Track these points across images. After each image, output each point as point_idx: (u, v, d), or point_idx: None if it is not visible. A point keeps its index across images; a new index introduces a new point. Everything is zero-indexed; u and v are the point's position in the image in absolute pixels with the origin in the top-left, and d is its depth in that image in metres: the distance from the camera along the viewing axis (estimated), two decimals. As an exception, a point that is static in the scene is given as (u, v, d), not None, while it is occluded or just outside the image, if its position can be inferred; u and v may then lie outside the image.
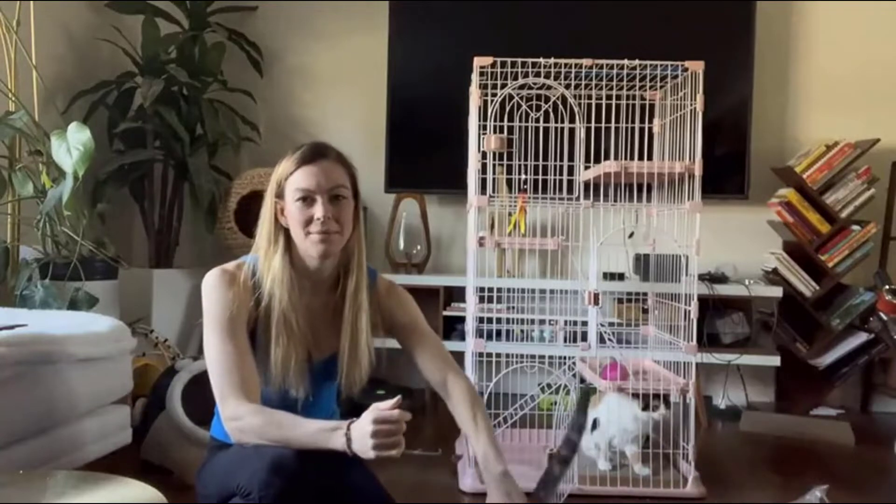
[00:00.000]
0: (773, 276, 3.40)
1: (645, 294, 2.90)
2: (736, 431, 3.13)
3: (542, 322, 3.24)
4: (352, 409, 1.85)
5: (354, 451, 1.39)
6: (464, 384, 1.68)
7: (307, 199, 1.58)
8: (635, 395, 2.35)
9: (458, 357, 3.28)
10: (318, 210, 1.57)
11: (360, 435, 1.39)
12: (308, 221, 1.58)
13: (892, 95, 3.57)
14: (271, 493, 1.38)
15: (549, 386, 2.60)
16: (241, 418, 1.47)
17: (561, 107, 2.54)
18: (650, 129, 2.69)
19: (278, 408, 1.57)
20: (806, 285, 3.32)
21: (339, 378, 1.65)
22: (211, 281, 1.60)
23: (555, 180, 2.60)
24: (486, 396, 2.41)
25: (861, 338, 3.34)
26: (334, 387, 1.75)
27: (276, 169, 1.64)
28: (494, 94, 2.43)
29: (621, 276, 3.25)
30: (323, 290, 1.68)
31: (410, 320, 1.79)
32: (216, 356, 1.53)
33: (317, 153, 1.63)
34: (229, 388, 1.49)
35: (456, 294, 3.46)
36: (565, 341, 2.91)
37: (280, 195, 1.62)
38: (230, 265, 1.63)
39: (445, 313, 3.42)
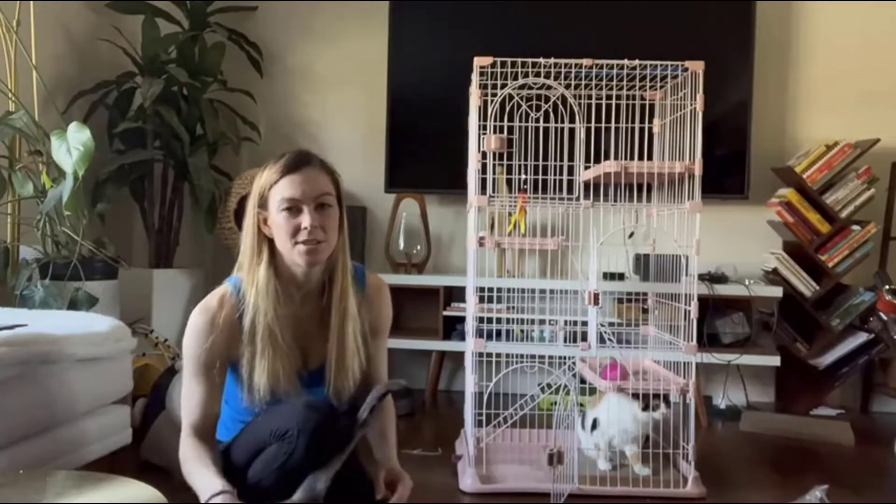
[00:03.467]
0: (773, 276, 3.40)
1: (645, 294, 2.90)
2: (736, 431, 3.13)
3: (542, 322, 3.23)
4: (352, 411, 1.86)
5: None
6: (392, 407, 1.83)
7: (293, 208, 1.57)
8: (635, 395, 2.35)
9: (458, 357, 3.30)
10: (306, 219, 1.56)
11: None
12: (295, 231, 1.57)
13: (892, 95, 3.57)
14: (309, 426, 1.49)
15: (549, 386, 2.60)
16: (181, 451, 1.59)
17: (561, 107, 2.54)
18: (650, 129, 2.69)
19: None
20: (806, 285, 3.32)
21: (327, 387, 1.65)
22: (192, 323, 1.61)
23: (555, 180, 2.60)
24: (486, 396, 2.42)
25: (861, 338, 3.34)
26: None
27: (258, 179, 1.63)
28: (494, 94, 2.43)
29: (621, 276, 3.25)
30: (311, 299, 1.68)
31: (383, 326, 1.82)
32: (186, 394, 1.62)
33: (301, 161, 1.61)
34: (187, 422, 1.61)
35: (456, 294, 3.46)
36: (565, 341, 2.91)
37: (263, 205, 1.61)
38: (213, 300, 1.61)
39: (445, 313, 3.41)
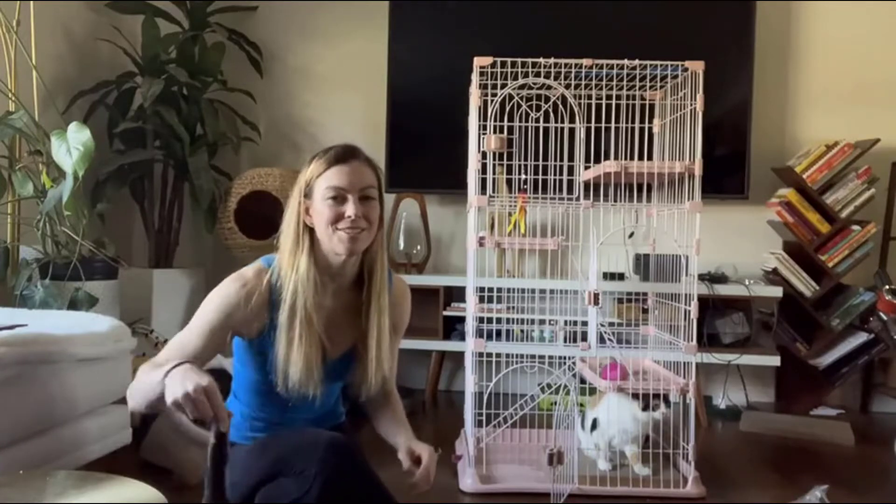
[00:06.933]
0: (773, 276, 3.40)
1: (645, 294, 2.90)
2: (736, 431, 3.13)
3: (542, 322, 3.24)
4: (353, 409, 1.85)
5: (164, 387, 1.37)
6: (401, 402, 1.85)
7: (338, 197, 1.60)
8: (635, 395, 2.35)
9: (458, 357, 3.31)
10: (350, 208, 1.59)
11: (178, 381, 1.35)
12: (338, 219, 1.59)
13: (892, 95, 3.57)
14: (329, 469, 1.46)
15: (549, 386, 2.60)
16: (138, 375, 1.49)
17: (561, 107, 2.54)
18: (650, 129, 2.69)
19: (289, 402, 1.61)
20: (806, 285, 3.32)
21: (367, 378, 1.67)
22: (223, 285, 1.60)
23: (555, 180, 2.60)
24: (486, 396, 2.42)
25: (861, 338, 3.35)
26: (339, 387, 1.76)
27: (305, 170, 1.65)
28: (494, 94, 2.43)
29: (621, 276, 3.25)
30: (343, 290, 1.70)
31: (401, 326, 1.84)
32: (178, 341, 1.57)
33: (348, 154, 1.64)
34: (160, 358, 1.51)
35: (456, 294, 3.46)
36: (565, 341, 2.91)
37: (308, 195, 1.63)
38: (249, 272, 1.61)
39: (445, 313, 3.42)
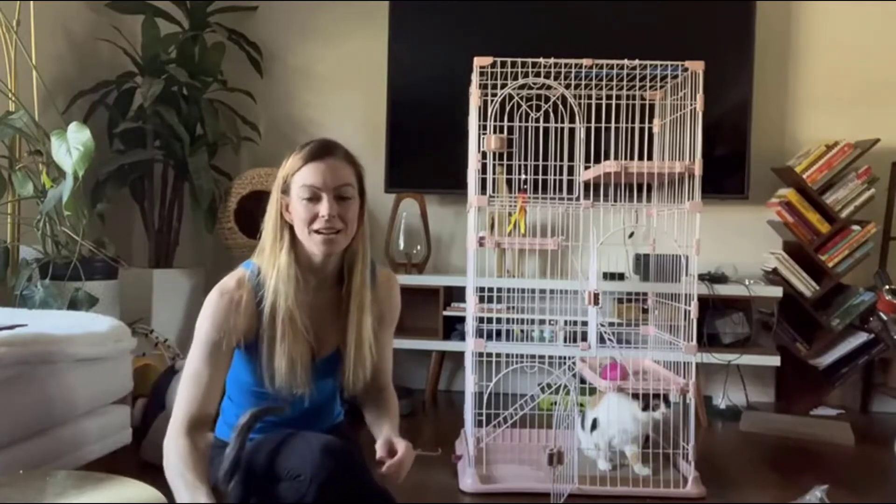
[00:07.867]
0: (773, 276, 3.40)
1: (645, 294, 2.90)
2: (736, 431, 3.13)
3: (542, 322, 3.24)
4: (352, 409, 1.85)
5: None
6: (396, 399, 1.81)
7: (313, 196, 1.58)
8: (635, 395, 2.35)
9: (458, 357, 3.31)
10: (324, 208, 1.57)
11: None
12: (313, 219, 1.57)
13: (893, 95, 3.58)
14: (323, 473, 1.45)
15: (549, 386, 2.60)
16: (168, 445, 1.53)
17: (561, 107, 2.54)
18: (650, 129, 2.69)
19: (283, 402, 1.60)
20: (806, 285, 3.32)
21: (346, 376, 1.66)
22: (210, 303, 1.58)
23: (555, 180, 2.60)
24: (486, 396, 2.42)
25: (861, 338, 3.35)
26: (336, 385, 1.75)
27: (283, 165, 1.63)
28: (494, 94, 2.43)
29: (621, 276, 3.26)
30: (326, 287, 1.68)
31: (391, 318, 1.81)
32: (190, 376, 1.56)
33: (324, 150, 1.62)
34: (184, 415, 1.54)
35: (456, 294, 3.46)
36: (565, 341, 2.91)
37: (286, 191, 1.62)
38: (231, 282, 1.60)
39: (445, 313, 3.41)
